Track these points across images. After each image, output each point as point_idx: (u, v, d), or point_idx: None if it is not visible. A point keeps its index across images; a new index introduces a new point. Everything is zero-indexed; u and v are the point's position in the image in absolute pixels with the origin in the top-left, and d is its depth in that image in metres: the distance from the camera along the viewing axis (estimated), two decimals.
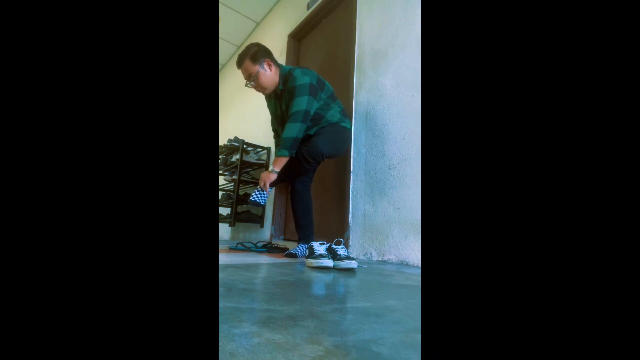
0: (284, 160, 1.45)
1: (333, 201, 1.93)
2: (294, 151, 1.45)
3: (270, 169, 1.48)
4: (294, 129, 1.43)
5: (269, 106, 1.68)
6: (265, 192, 1.49)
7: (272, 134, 1.89)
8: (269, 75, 1.51)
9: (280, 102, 1.59)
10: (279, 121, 1.66)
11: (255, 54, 1.48)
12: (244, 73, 1.50)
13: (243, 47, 4.46)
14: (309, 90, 1.45)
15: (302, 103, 1.44)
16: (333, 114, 1.56)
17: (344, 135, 1.58)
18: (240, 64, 1.49)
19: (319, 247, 1.23)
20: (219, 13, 3.22)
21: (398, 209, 1.47)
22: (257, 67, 1.47)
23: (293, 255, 1.50)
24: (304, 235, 1.58)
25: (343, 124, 1.57)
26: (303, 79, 1.46)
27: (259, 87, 1.52)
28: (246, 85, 1.54)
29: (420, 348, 0.42)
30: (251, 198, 1.47)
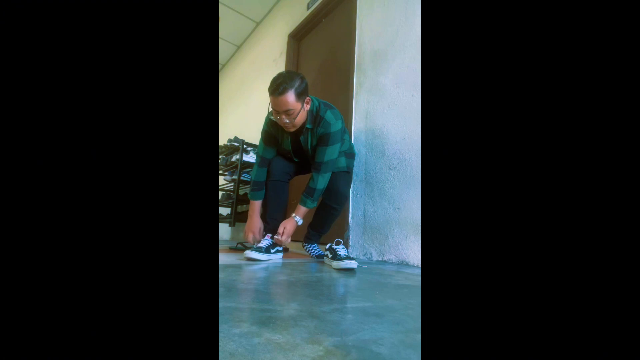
0: (307, 211, 1.39)
1: None
2: (317, 203, 1.41)
3: (295, 218, 1.37)
4: (324, 181, 1.37)
5: (282, 140, 1.47)
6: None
7: None
8: (304, 113, 1.33)
9: (301, 139, 1.43)
10: (298, 155, 1.52)
11: (303, 90, 1.28)
12: (281, 104, 1.25)
13: (243, 47, 4.36)
14: (340, 136, 1.38)
15: (334, 152, 1.37)
16: (340, 160, 1.51)
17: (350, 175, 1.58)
18: (282, 93, 1.22)
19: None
20: (219, 13, 3.22)
21: (398, 209, 1.47)
22: (299, 105, 1.27)
23: (320, 257, 1.49)
24: (317, 237, 1.59)
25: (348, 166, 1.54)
26: (336, 124, 1.36)
27: (290, 124, 1.31)
28: (273, 117, 1.32)
29: (420, 348, 0.42)
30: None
